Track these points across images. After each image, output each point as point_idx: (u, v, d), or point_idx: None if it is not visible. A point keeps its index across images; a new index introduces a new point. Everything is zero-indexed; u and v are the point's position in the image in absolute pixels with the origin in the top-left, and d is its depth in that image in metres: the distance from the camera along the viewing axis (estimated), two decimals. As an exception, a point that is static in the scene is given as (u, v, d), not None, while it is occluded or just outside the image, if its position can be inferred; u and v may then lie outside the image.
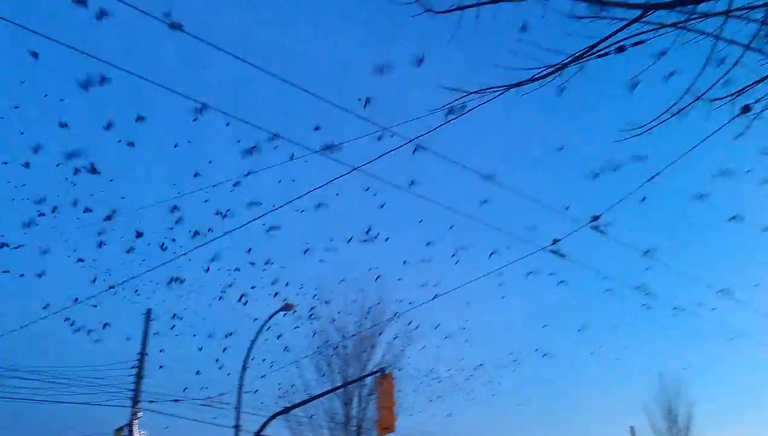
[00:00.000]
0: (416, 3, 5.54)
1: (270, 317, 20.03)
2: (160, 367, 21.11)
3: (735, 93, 5.51)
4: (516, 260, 15.45)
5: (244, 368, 19.09)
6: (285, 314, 21.95)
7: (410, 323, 23.40)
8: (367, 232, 19.13)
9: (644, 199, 12.59)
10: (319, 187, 12.12)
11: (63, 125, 12.71)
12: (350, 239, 17.20)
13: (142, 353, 20.72)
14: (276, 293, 21.85)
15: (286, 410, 18.74)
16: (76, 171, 12.61)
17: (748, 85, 5.49)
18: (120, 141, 12.90)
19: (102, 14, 8.39)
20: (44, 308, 17.72)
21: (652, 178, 11.03)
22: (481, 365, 29.21)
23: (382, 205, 15.47)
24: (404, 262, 22.38)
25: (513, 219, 15.09)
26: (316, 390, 21.75)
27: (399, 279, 24.23)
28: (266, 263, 18.80)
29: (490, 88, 6.02)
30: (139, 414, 20.25)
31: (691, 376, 39.70)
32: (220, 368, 22.26)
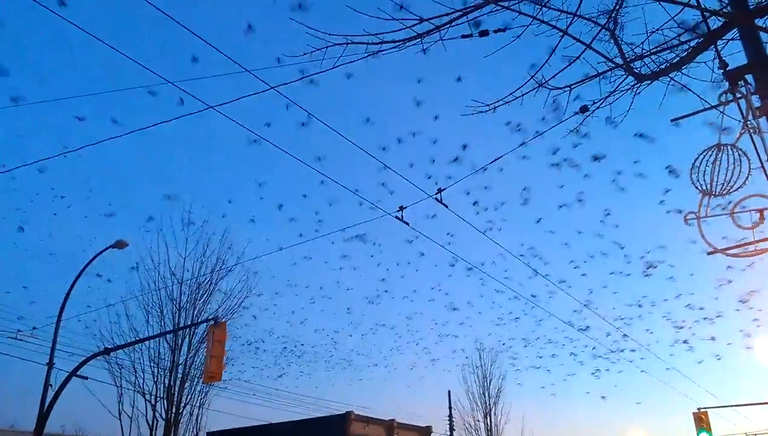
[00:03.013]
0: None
1: (99, 254, 18.76)
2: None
3: (571, 84, 6.08)
4: (364, 222, 15.99)
5: (63, 303, 17.77)
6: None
7: (246, 274, 23.09)
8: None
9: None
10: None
11: None
12: None
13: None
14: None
15: (106, 351, 17.78)
16: None
17: (582, 80, 6.07)
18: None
19: None
20: None
21: (494, 160, 11.94)
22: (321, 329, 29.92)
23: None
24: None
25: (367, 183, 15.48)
26: (144, 334, 20.81)
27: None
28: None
29: (355, 42, 6.06)
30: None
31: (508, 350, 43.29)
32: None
